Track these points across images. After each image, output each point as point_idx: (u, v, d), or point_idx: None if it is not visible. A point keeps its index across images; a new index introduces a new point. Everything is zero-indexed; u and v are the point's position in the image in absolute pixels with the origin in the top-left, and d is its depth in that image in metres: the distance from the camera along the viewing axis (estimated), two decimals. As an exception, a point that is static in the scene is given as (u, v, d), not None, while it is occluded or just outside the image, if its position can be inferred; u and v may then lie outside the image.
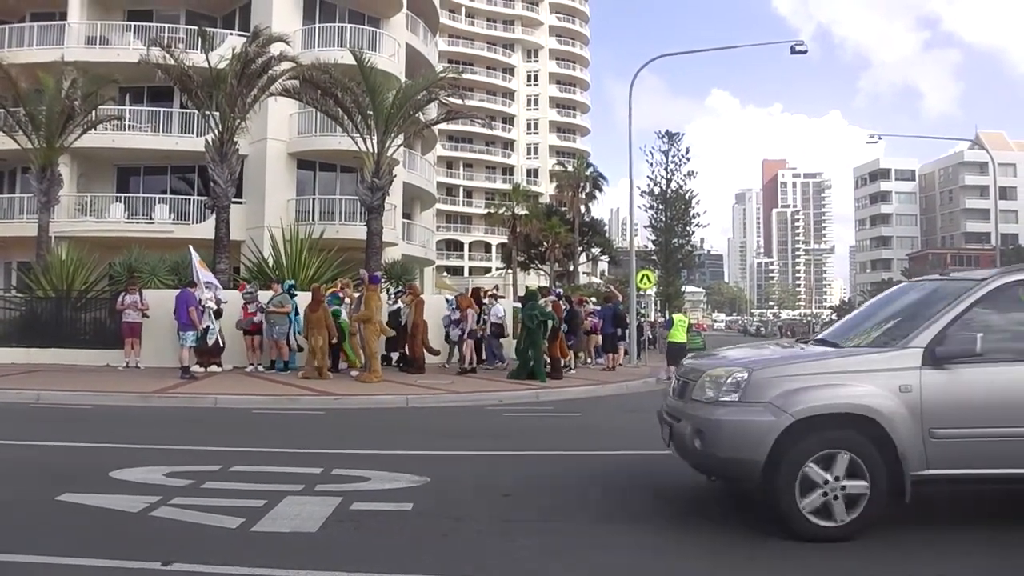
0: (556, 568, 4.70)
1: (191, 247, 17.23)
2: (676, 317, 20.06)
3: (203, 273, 16.51)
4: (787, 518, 5.10)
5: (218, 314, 16.25)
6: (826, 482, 5.06)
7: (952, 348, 5.20)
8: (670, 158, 58.54)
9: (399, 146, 22.81)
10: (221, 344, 16.36)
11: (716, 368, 5.72)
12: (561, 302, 18.94)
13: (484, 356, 18.54)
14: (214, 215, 20.52)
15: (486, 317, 18.24)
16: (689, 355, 8.09)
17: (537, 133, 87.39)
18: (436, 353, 17.89)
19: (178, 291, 16.13)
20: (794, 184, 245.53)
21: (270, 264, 20.48)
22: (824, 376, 5.36)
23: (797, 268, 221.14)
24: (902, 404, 5.11)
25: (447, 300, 18.81)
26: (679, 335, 18.73)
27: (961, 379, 5.21)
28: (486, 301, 18.75)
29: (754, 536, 5.22)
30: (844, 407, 5.17)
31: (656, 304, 62.84)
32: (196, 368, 15.63)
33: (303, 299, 16.45)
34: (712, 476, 5.79)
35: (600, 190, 62.13)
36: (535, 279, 57.27)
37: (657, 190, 58.37)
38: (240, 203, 25.23)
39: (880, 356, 5.50)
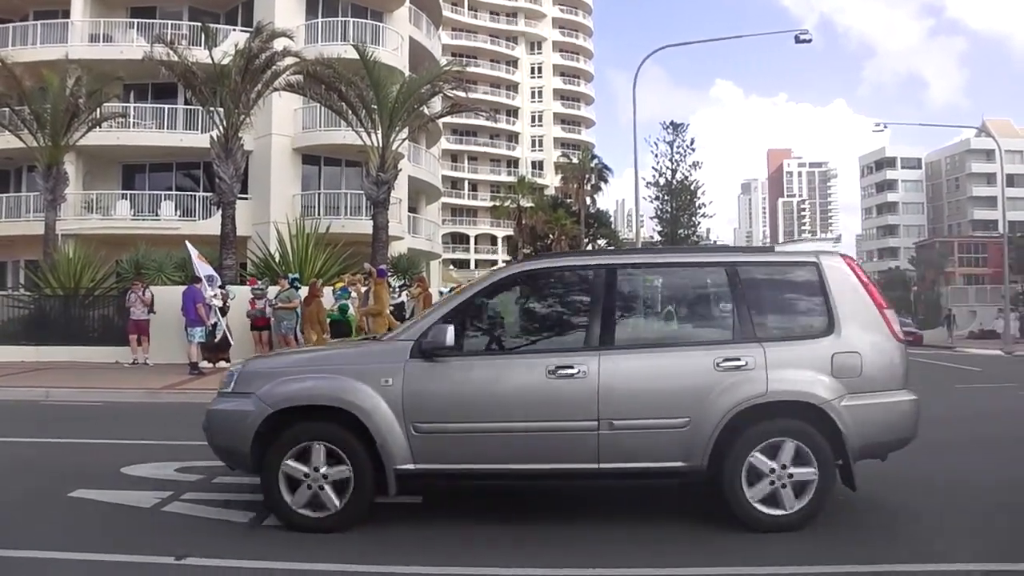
0: (572, 561, 4.70)
1: (188, 242, 17.27)
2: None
3: (203, 267, 16.53)
4: (275, 508, 5.12)
5: (223, 311, 16.29)
6: (308, 474, 5.02)
7: (431, 341, 5.06)
8: (675, 149, 58.33)
9: (404, 140, 22.78)
10: (229, 340, 16.41)
11: (238, 362, 5.76)
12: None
13: None
14: (220, 211, 20.53)
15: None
16: None
17: (541, 125, 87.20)
18: None
19: (184, 287, 16.17)
20: (799, 173, 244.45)
21: (276, 259, 20.50)
22: (314, 368, 5.38)
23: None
24: (382, 398, 5.01)
25: (440, 292, 18.75)
26: None
27: (444, 373, 5.10)
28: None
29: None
30: (320, 399, 5.12)
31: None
32: (204, 364, 15.68)
33: (304, 293, 16.46)
34: (231, 465, 5.63)
35: (605, 181, 62.14)
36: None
37: (662, 181, 58.21)
38: (246, 199, 25.28)
39: (376, 348, 5.49)
